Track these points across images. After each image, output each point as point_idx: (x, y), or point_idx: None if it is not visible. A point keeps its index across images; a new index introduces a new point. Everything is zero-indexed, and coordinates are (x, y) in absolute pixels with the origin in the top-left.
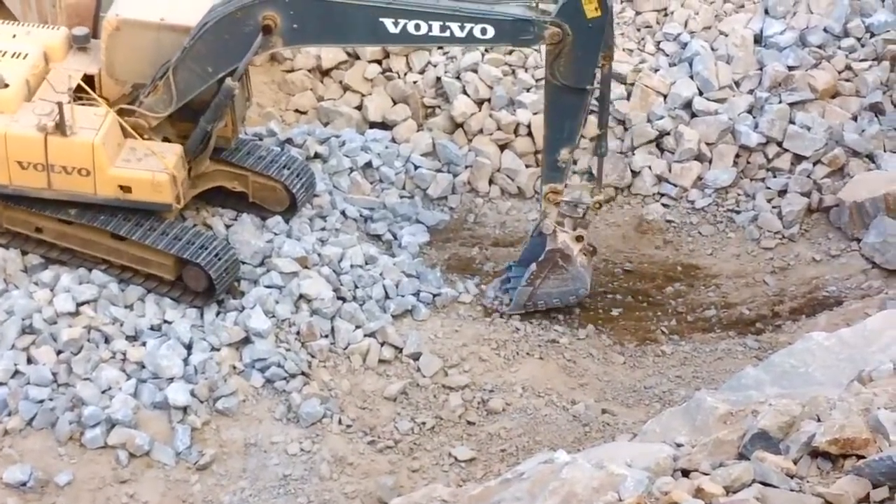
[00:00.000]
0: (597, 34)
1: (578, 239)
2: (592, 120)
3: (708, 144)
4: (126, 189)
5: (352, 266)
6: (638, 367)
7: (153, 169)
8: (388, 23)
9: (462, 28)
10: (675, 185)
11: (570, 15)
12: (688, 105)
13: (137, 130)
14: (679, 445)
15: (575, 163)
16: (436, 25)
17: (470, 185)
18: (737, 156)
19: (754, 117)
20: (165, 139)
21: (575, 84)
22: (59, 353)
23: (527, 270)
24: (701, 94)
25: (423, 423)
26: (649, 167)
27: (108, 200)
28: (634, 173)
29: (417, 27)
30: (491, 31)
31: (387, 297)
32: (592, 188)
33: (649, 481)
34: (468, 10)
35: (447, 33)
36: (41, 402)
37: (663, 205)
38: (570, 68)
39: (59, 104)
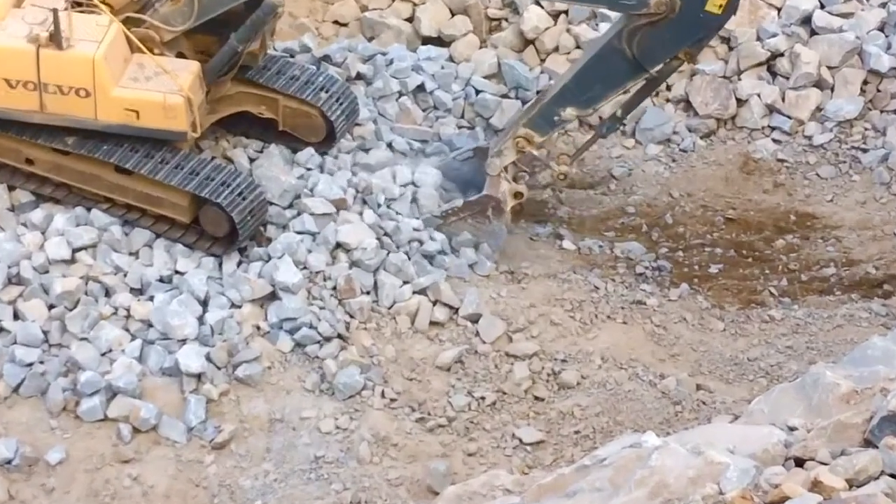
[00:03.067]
0: (699, 28)
1: (517, 195)
2: None
3: (830, 68)
4: (132, 113)
5: None
6: (741, 334)
7: (165, 90)
8: None
9: None
10: (789, 117)
11: None
12: (806, 20)
13: (147, 44)
14: (792, 429)
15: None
16: None
17: None
18: (864, 82)
19: (886, 36)
20: (180, 55)
21: (639, 59)
22: (51, 307)
23: (449, 204)
24: (822, 7)
25: (482, 398)
26: (758, 95)
27: (110, 127)
28: (740, 102)
29: None
30: None
31: (441, 249)
32: (560, 156)
33: (756, 471)
34: None
35: None
36: (30, 365)
37: (774, 140)
38: (646, 43)
39: (54, 11)
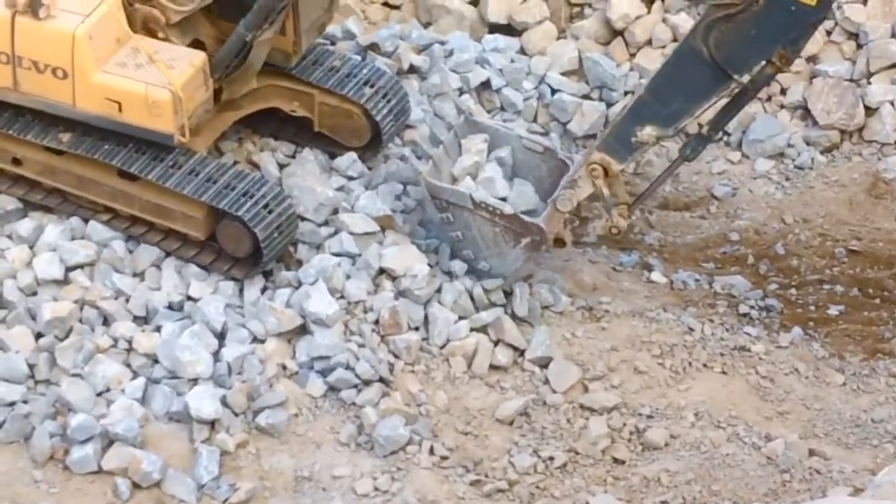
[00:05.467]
0: (791, 25)
1: (557, 242)
2: None
3: None
4: (114, 105)
5: None
6: (864, 390)
7: (150, 81)
8: None
9: None
10: None
11: None
12: None
13: (150, 25)
14: None
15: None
16: None
17: None
18: None
19: None
20: (197, 43)
21: (722, 63)
22: (38, 336)
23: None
24: None
25: (551, 459)
26: (891, 103)
27: (89, 117)
28: (869, 111)
29: None
30: None
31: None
32: (619, 205)
33: None
34: None
35: None
36: (11, 405)
37: None
38: (726, 43)
39: None
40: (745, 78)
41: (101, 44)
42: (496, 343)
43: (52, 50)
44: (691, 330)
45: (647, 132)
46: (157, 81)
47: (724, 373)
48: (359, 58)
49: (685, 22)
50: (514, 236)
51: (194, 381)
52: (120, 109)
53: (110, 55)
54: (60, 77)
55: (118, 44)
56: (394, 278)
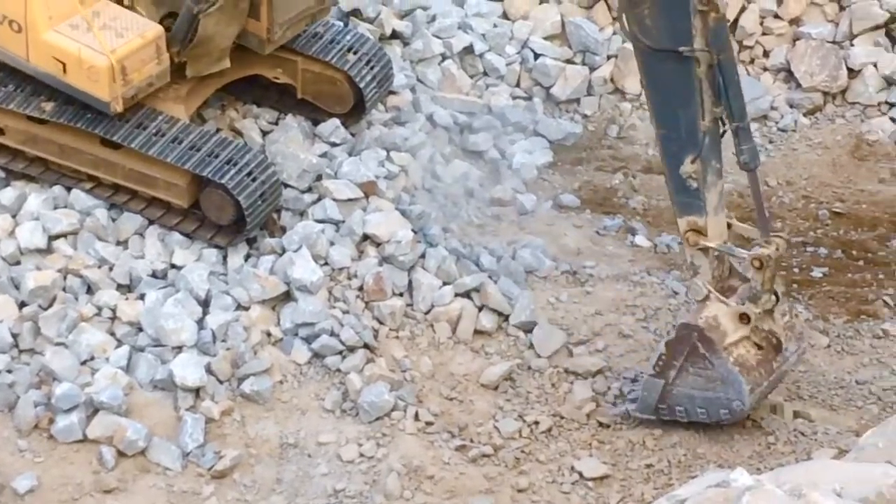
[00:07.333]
0: None
1: (742, 318)
2: None
3: None
4: (60, 65)
5: None
6: (848, 352)
7: (90, 46)
8: None
9: None
10: None
11: None
12: None
13: None
14: None
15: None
16: None
17: (614, 84)
18: None
19: None
20: (174, 16)
21: (665, 43)
22: (22, 305)
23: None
24: None
25: (536, 423)
26: (874, 65)
27: (40, 74)
28: (852, 73)
29: None
30: None
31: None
32: (756, 238)
33: None
34: None
35: None
36: None
37: (893, 119)
38: (650, 19)
39: None
40: (697, 44)
41: (57, 3)
42: (480, 308)
43: (9, 1)
44: (675, 293)
45: (688, 164)
46: (96, 47)
47: None
48: (341, 24)
49: None
50: (696, 357)
51: (178, 349)
52: (64, 70)
53: (67, 16)
54: (16, 30)
55: (82, 6)
56: (378, 244)
